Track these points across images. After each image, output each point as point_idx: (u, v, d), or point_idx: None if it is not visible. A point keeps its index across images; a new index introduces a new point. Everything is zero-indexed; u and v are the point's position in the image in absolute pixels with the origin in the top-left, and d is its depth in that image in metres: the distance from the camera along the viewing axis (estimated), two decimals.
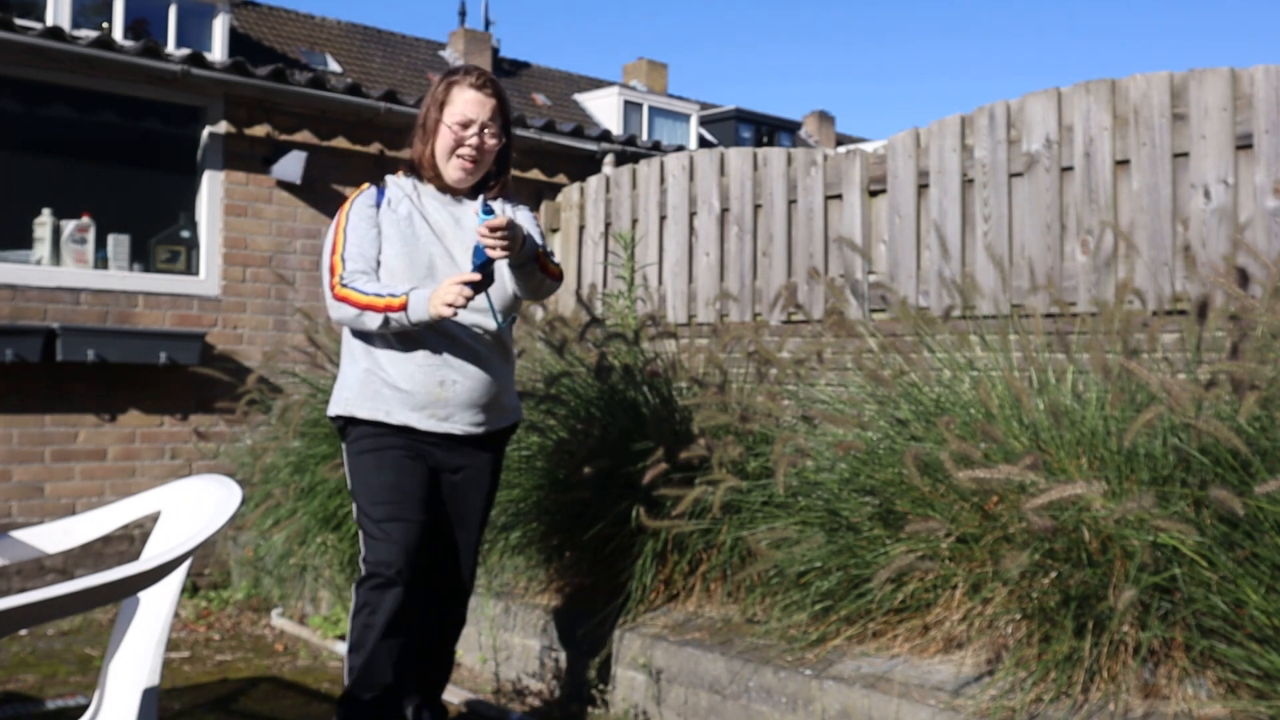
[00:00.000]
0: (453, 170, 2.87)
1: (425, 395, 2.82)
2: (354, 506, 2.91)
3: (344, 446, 2.95)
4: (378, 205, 2.88)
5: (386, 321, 2.71)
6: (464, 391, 2.85)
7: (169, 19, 13.64)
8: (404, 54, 20.37)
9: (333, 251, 2.83)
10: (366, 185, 2.95)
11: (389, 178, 2.97)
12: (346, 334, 2.92)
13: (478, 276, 2.62)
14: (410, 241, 2.85)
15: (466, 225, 2.90)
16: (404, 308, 2.69)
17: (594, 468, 3.69)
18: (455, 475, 2.95)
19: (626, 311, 4.56)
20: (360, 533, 2.86)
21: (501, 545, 4.05)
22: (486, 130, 2.86)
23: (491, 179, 2.97)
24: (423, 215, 2.89)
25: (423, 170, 2.91)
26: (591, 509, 3.79)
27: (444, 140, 2.85)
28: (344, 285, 2.75)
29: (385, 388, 2.83)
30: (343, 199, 3.43)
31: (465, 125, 2.83)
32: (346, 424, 2.91)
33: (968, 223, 4.39)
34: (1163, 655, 2.66)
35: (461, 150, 2.84)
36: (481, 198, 2.82)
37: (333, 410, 2.93)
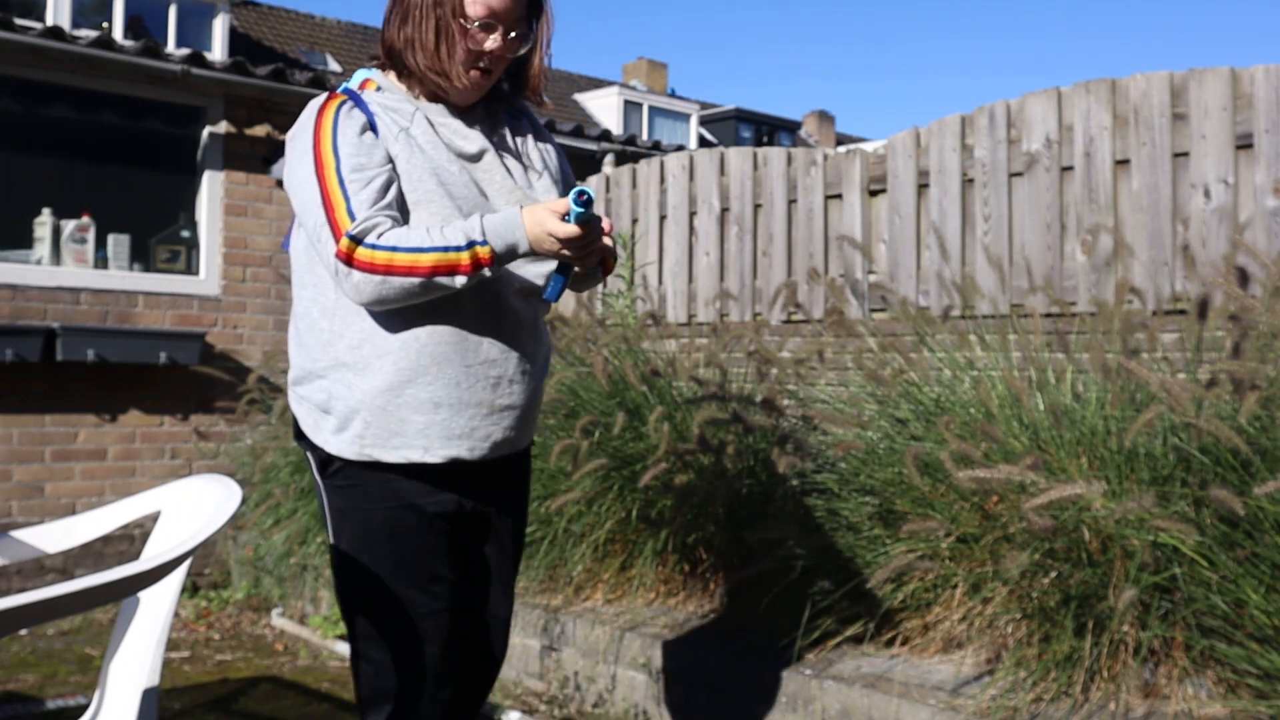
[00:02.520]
0: (463, 83, 1.97)
1: (475, 409, 1.94)
2: (349, 606, 2.03)
3: (333, 500, 1.99)
4: (374, 132, 1.94)
5: (466, 280, 1.84)
6: (521, 395, 2.00)
7: (169, 18, 13.63)
8: None
9: (326, 204, 1.86)
10: (337, 99, 1.96)
11: (367, 96, 1.98)
12: (333, 324, 1.97)
13: (575, 231, 1.82)
14: (439, 200, 1.93)
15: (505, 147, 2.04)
16: (492, 256, 1.83)
17: (593, 467, 3.69)
18: (487, 509, 2.10)
19: (626, 311, 4.56)
20: (362, 663, 2.01)
21: None
22: (513, 34, 1.97)
23: (507, 92, 2.09)
24: (452, 151, 1.98)
25: (429, 79, 1.97)
26: (593, 508, 3.79)
27: (463, 44, 1.94)
28: (371, 246, 1.82)
29: (418, 411, 1.91)
30: None
31: (488, 28, 1.94)
32: (344, 465, 1.97)
33: (968, 223, 4.39)
34: (1163, 655, 2.66)
35: (479, 63, 1.96)
36: (579, 188, 1.81)
37: (335, 447, 1.95)
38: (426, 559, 1.98)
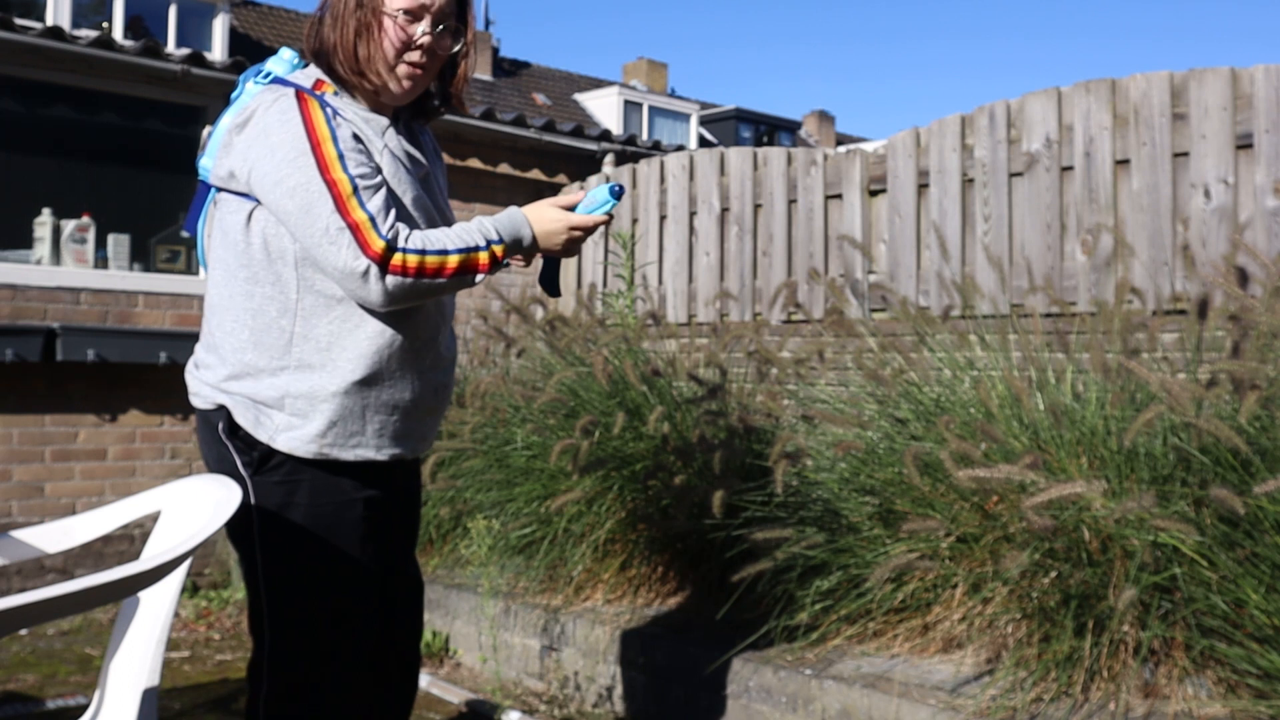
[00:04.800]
0: (394, 83, 1.98)
1: (421, 412, 2.05)
2: (276, 605, 2.00)
3: (267, 496, 1.96)
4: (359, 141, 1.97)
5: (482, 278, 1.97)
6: (448, 399, 2.13)
7: (169, 18, 13.64)
8: None
9: (342, 210, 1.84)
10: (311, 100, 1.92)
11: (335, 101, 1.98)
12: (295, 324, 1.95)
13: (605, 219, 2.04)
14: (418, 212, 2.02)
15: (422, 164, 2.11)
16: (504, 253, 1.96)
17: (594, 466, 3.69)
18: (401, 505, 2.18)
19: (626, 311, 4.56)
20: (281, 656, 1.99)
21: (502, 545, 4.05)
22: (443, 26, 1.99)
23: (435, 98, 2.13)
24: (412, 163, 2.04)
25: (352, 81, 1.98)
26: (593, 508, 3.79)
27: (389, 38, 1.95)
28: (403, 250, 1.86)
29: (378, 412, 1.98)
30: None
31: (415, 16, 1.96)
32: (285, 462, 1.95)
33: (968, 222, 4.39)
34: (1163, 655, 2.66)
35: (408, 55, 1.97)
36: (608, 180, 2.09)
37: (287, 445, 1.94)
38: (363, 554, 2.01)
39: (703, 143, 25.14)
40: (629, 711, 3.46)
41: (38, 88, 5.51)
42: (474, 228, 1.94)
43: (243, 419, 1.96)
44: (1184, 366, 3.09)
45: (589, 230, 2.02)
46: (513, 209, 2.00)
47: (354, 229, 1.84)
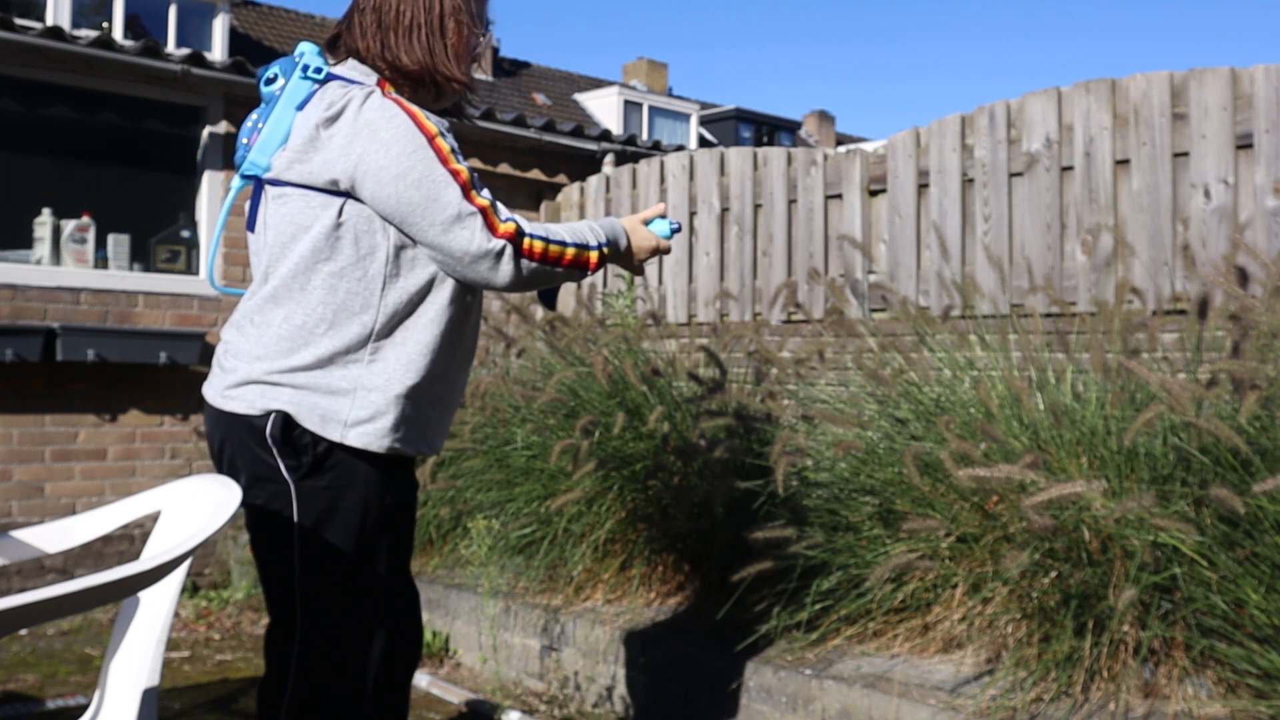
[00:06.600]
0: (470, 80, 2.13)
1: (452, 407, 2.10)
2: (312, 617, 1.97)
3: (312, 501, 1.92)
4: None
5: (586, 276, 2.07)
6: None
7: (169, 18, 13.64)
8: None
9: (469, 197, 1.90)
10: (423, 113, 1.95)
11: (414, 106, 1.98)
12: (376, 319, 1.94)
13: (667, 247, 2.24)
14: None
15: None
16: (610, 255, 2.10)
17: (593, 466, 3.69)
18: (413, 503, 2.17)
19: (626, 311, 4.56)
20: (318, 662, 1.97)
21: (502, 545, 4.05)
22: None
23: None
24: None
25: (451, 90, 2.09)
26: (593, 508, 3.79)
27: (475, 39, 2.09)
28: (530, 234, 1.94)
29: (433, 408, 2.02)
30: None
31: (483, 18, 2.13)
32: (339, 463, 1.93)
33: (968, 222, 4.39)
34: (1163, 655, 2.66)
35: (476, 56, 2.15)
36: (668, 221, 2.25)
37: (360, 440, 1.91)
38: (391, 560, 2.02)
39: (703, 143, 25.15)
40: (629, 711, 3.46)
41: (38, 88, 5.51)
42: (584, 227, 2.03)
43: (307, 419, 1.90)
44: (1184, 366, 3.09)
45: (663, 253, 2.21)
46: (611, 219, 2.11)
47: (483, 213, 1.90)
